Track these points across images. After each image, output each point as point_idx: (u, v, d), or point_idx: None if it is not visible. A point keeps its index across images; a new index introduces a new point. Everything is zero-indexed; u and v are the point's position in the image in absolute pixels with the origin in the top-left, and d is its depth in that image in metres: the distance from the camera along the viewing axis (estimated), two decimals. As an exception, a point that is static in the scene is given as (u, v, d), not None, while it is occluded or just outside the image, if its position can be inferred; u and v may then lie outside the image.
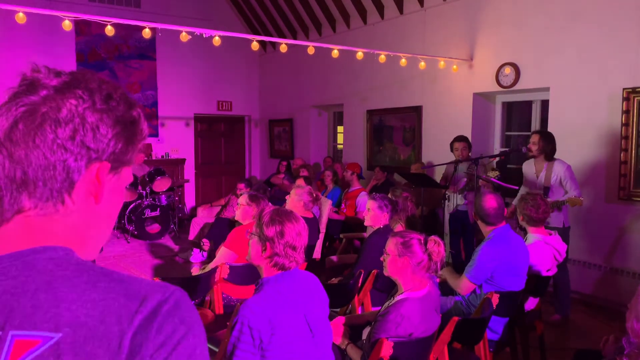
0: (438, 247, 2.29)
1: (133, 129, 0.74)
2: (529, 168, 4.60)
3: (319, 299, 2.00)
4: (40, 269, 0.64)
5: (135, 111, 0.75)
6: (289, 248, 1.91)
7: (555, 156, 4.45)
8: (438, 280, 3.25)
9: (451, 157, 5.50)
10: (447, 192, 5.10)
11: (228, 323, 2.79)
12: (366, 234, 4.83)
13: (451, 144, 5.49)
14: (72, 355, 0.59)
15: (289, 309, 1.84)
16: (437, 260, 2.29)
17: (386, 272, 2.39)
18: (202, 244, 4.49)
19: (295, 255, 1.93)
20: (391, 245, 2.34)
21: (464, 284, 3.05)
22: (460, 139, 5.41)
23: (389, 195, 3.85)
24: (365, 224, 3.73)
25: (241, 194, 3.84)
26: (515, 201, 4.10)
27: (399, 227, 3.74)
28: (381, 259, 2.41)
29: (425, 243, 2.30)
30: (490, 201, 3.05)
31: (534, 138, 4.42)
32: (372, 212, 3.57)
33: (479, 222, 3.16)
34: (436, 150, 6.48)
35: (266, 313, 1.77)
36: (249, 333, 1.75)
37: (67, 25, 4.12)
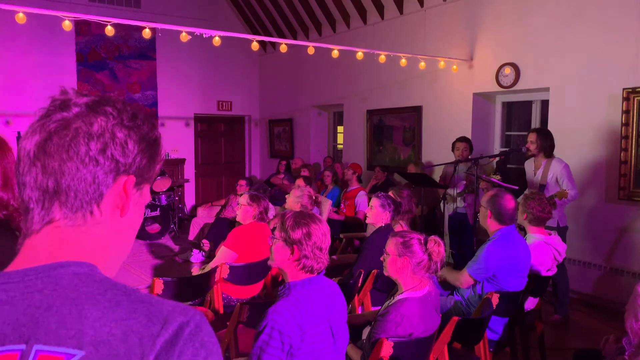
0: (438, 247, 2.29)
1: (155, 148, 0.77)
2: (528, 166, 4.61)
3: (340, 305, 2.01)
4: (65, 284, 0.66)
5: (157, 132, 0.78)
6: (316, 249, 1.91)
7: (556, 156, 4.45)
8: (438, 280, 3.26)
9: (451, 157, 5.50)
10: (447, 192, 5.10)
11: (228, 323, 2.80)
12: (366, 234, 4.83)
13: (453, 144, 5.49)
14: None
15: (317, 315, 1.85)
16: (437, 260, 2.29)
17: (386, 272, 2.39)
18: (202, 244, 4.49)
19: (322, 256, 1.94)
20: (391, 245, 2.34)
21: (464, 278, 3.05)
22: (463, 139, 5.42)
23: (391, 194, 3.85)
24: (367, 221, 3.74)
25: (242, 194, 3.84)
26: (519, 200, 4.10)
27: (398, 227, 3.74)
28: (381, 258, 2.41)
29: (426, 243, 2.30)
30: (510, 202, 3.06)
31: (532, 137, 4.43)
32: (374, 210, 3.58)
33: (491, 220, 3.11)
34: (436, 150, 6.48)
35: (296, 318, 1.77)
36: (278, 338, 1.74)
37: (67, 25, 4.12)
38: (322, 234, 1.94)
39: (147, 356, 0.62)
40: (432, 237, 2.32)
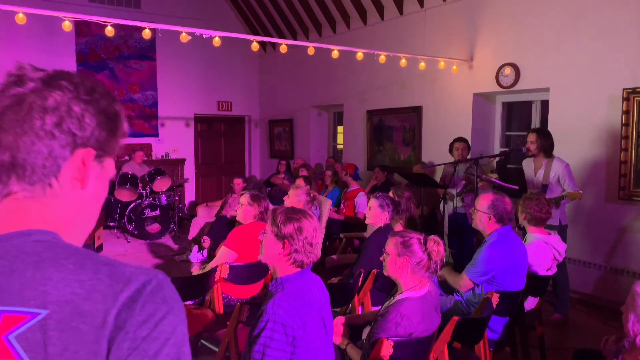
0: (438, 247, 2.29)
1: (115, 122, 0.78)
2: (527, 166, 4.61)
3: (326, 296, 2.05)
4: (29, 250, 0.67)
5: (117, 105, 0.79)
6: (307, 244, 1.94)
7: (556, 155, 4.45)
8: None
9: (450, 157, 5.50)
10: (446, 192, 5.10)
11: (228, 323, 2.80)
12: (366, 234, 4.84)
13: (451, 145, 5.50)
14: (58, 331, 0.62)
15: (312, 305, 1.89)
16: (437, 259, 2.29)
17: (386, 272, 2.39)
18: (202, 241, 4.48)
19: (313, 251, 1.97)
20: (391, 245, 2.34)
21: (464, 282, 3.05)
22: (460, 139, 5.43)
23: (391, 195, 3.86)
24: (366, 222, 3.76)
25: (242, 194, 3.84)
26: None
27: (398, 226, 3.75)
28: (381, 258, 2.41)
29: (425, 242, 2.31)
30: (509, 203, 3.07)
31: (531, 137, 4.43)
32: (373, 211, 3.60)
33: (490, 222, 3.08)
34: (436, 150, 6.48)
35: (297, 310, 1.80)
36: (282, 331, 1.76)
37: (67, 25, 4.12)
38: (313, 229, 1.97)
39: (110, 311, 0.64)
40: (432, 236, 2.33)
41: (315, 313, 1.89)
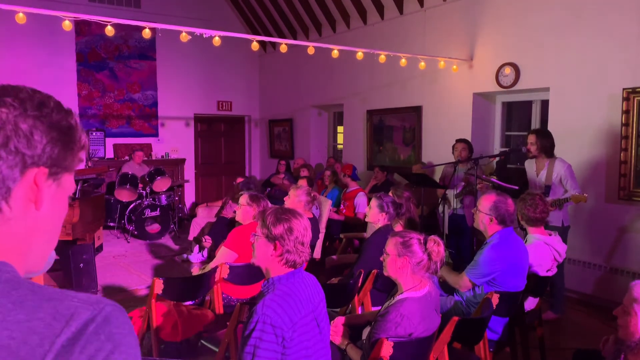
0: (438, 247, 2.29)
1: (70, 136, 0.73)
2: (529, 167, 4.60)
3: (320, 296, 2.05)
4: None
5: (72, 119, 0.74)
6: (298, 244, 1.94)
7: (557, 156, 4.44)
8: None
9: (451, 157, 5.50)
10: (446, 192, 5.10)
11: (228, 323, 2.80)
12: (366, 234, 4.83)
13: (453, 145, 5.50)
14: None
15: (303, 306, 1.89)
16: (437, 259, 2.29)
17: (386, 272, 2.39)
18: (204, 240, 4.48)
19: (304, 250, 1.96)
20: (391, 245, 2.34)
21: (463, 282, 3.05)
22: (461, 140, 5.42)
23: (390, 194, 3.86)
24: (366, 220, 3.78)
25: (241, 194, 3.84)
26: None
27: (398, 226, 3.75)
28: (381, 259, 2.41)
29: (425, 243, 2.31)
30: (512, 205, 3.06)
31: (531, 138, 4.43)
32: (372, 210, 3.65)
33: (491, 225, 3.07)
34: (436, 150, 6.48)
35: (287, 311, 1.80)
36: (271, 331, 1.76)
37: (67, 25, 4.12)
38: (303, 229, 1.97)
39: (46, 357, 0.59)
40: (432, 236, 2.32)
41: (308, 313, 1.89)
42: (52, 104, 0.72)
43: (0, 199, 0.68)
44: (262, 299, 1.84)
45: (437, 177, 6.21)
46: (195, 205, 8.99)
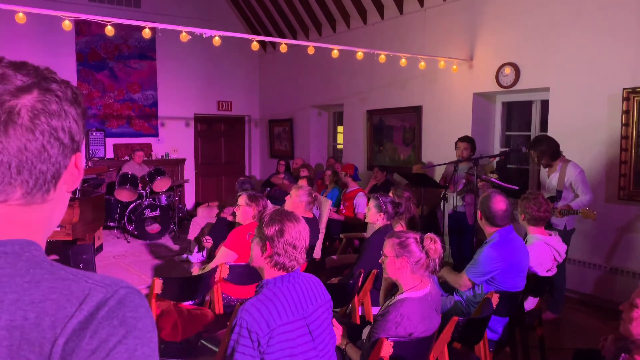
0: (435, 244, 2.29)
1: (84, 120, 0.77)
2: (543, 169, 4.58)
3: (321, 302, 1.99)
4: None
5: (84, 102, 0.77)
6: (289, 246, 1.90)
7: (571, 160, 4.39)
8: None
9: (451, 157, 5.49)
10: (446, 192, 5.10)
11: (228, 323, 2.79)
12: (366, 234, 4.83)
13: (455, 143, 5.49)
14: (9, 357, 0.58)
15: (289, 312, 1.84)
16: (435, 257, 2.29)
17: (386, 274, 2.39)
18: (204, 240, 4.48)
19: (296, 254, 1.92)
20: (388, 246, 2.34)
21: (463, 281, 3.06)
22: (464, 139, 5.40)
23: (390, 194, 3.87)
24: (366, 220, 3.80)
25: (239, 195, 3.84)
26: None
27: (398, 227, 3.75)
28: (379, 261, 2.41)
29: (422, 241, 2.31)
30: (499, 203, 3.03)
31: (530, 154, 4.49)
32: (370, 210, 3.67)
33: (483, 222, 3.12)
34: (436, 150, 6.48)
35: (264, 316, 1.78)
36: (247, 335, 1.76)
37: (67, 25, 4.12)
38: (296, 232, 1.93)
39: (57, 341, 0.59)
40: (428, 234, 2.32)
41: (295, 320, 1.85)
42: (77, 90, 0.75)
43: (52, 181, 0.70)
44: (246, 301, 1.85)
45: (437, 176, 6.21)
46: (197, 204, 8.98)
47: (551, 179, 4.39)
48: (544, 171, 4.54)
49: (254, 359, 1.77)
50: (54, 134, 0.68)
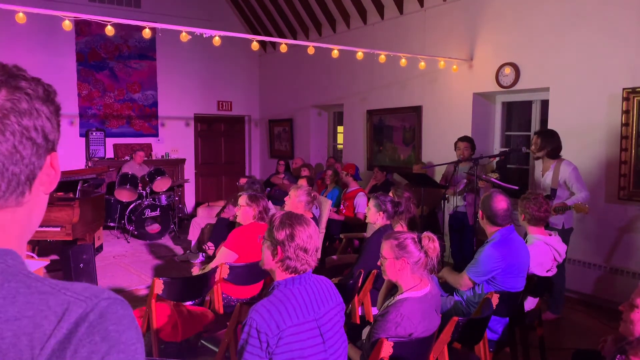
0: (433, 243, 2.29)
1: (59, 118, 0.73)
2: (537, 167, 4.59)
3: (333, 304, 2.00)
4: None
5: (57, 100, 0.74)
6: (300, 250, 1.91)
7: (564, 158, 4.41)
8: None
9: (451, 157, 5.49)
10: (446, 193, 5.10)
11: (228, 323, 2.80)
12: (366, 234, 4.83)
13: (455, 143, 5.49)
14: None
15: (299, 313, 1.85)
16: (434, 256, 2.29)
17: (385, 276, 2.39)
18: (207, 247, 4.48)
19: (307, 258, 1.93)
20: (386, 248, 2.34)
21: (464, 281, 3.06)
22: (464, 139, 5.41)
23: (390, 194, 3.87)
24: (366, 220, 3.81)
25: (240, 194, 3.84)
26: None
27: (398, 227, 3.75)
28: (378, 263, 2.41)
29: (420, 241, 2.31)
30: (500, 202, 3.04)
31: (534, 139, 4.45)
32: (370, 210, 3.69)
33: (484, 222, 3.13)
34: (436, 150, 6.48)
35: (274, 317, 1.79)
36: (256, 336, 1.77)
37: (67, 25, 4.12)
38: (307, 236, 1.94)
39: None
40: (425, 233, 2.32)
41: (306, 321, 1.86)
42: (48, 87, 0.71)
43: (27, 183, 0.67)
44: (257, 301, 1.87)
45: (437, 176, 6.21)
46: (198, 205, 8.98)
47: (545, 177, 4.41)
48: (538, 170, 4.55)
49: (261, 358, 1.78)
50: (25, 133, 0.65)
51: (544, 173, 4.43)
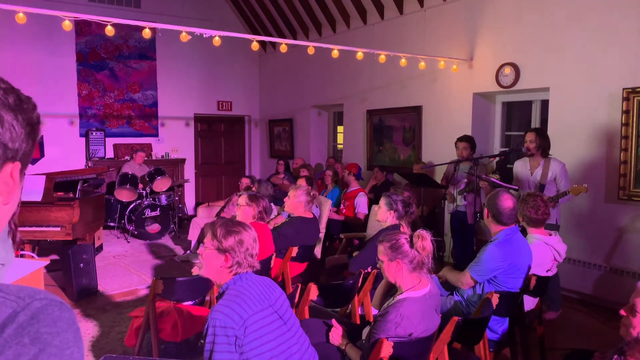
0: (423, 242, 2.29)
1: (36, 132, 0.71)
2: (522, 166, 4.62)
3: (278, 291, 2.12)
4: None
5: (37, 113, 0.72)
6: (248, 256, 2.02)
7: (556, 155, 4.49)
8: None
9: (451, 157, 5.49)
10: (446, 192, 5.10)
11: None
12: (366, 234, 4.83)
13: (455, 143, 5.50)
14: None
15: (257, 302, 1.95)
16: (424, 254, 2.29)
17: (386, 279, 2.39)
18: None
19: (253, 262, 2.05)
20: (381, 251, 2.35)
21: (465, 279, 3.05)
22: (463, 139, 5.40)
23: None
24: (376, 219, 3.79)
25: (240, 195, 3.84)
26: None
27: (402, 227, 3.74)
28: (377, 266, 2.42)
29: (412, 239, 2.31)
30: (507, 201, 3.05)
31: (530, 136, 4.46)
32: (380, 208, 3.64)
33: (489, 220, 3.12)
34: (436, 150, 6.48)
35: (235, 310, 1.86)
36: (222, 333, 1.82)
37: (67, 25, 4.11)
38: (252, 240, 2.05)
39: None
40: (417, 232, 2.32)
41: (264, 309, 1.96)
42: (24, 97, 0.69)
43: None
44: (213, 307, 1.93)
45: (437, 176, 6.21)
46: (198, 205, 8.98)
47: (535, 174, 4.47)
48: (524, 168, 4.56)
49: (232, 354, 1.83)
50: None
51: (533, 171, 4.48)
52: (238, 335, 1.83)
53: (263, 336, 1.91)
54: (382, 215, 3.62)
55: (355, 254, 3.89)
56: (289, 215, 4.44)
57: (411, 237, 2.32)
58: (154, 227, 7.30)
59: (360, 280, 3.22)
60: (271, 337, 1.94)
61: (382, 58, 5.67)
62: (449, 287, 3.30)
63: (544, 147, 4.43)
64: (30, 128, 0.68)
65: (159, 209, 7.30)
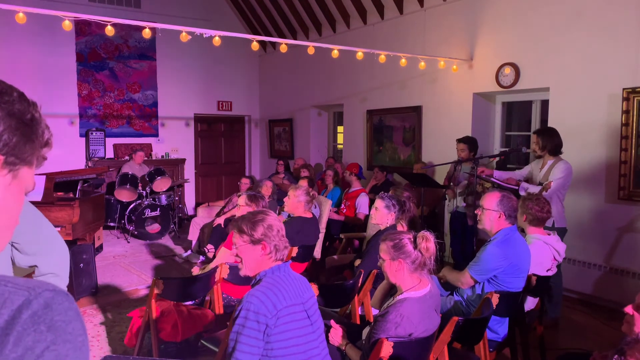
0: (427, 243, 2.29)
1: (31, 127, 0.69)
2: (535, 166, 4.58)
3: (310, 293, 2.12)
4: None
5: (36, 111, 0.70)
6: (281, 236, 2.06)
7: (562, 158, 4.40)
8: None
9: (451, 157, 5.49)
10: (446, 192, 5.10)
11: (228, 323, 2.79)
12: (366, 234, 4.83)
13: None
14: None
15: (291, 295, 1.96)
16: (427, 256, 2.29)
17: (387, 279, 2.39)
18: (207, 250, 4.47)
19: (287, 241, 2.09)
20: (383, 250, 2.34)
21: (465, 279, 3.05)
22: (461, 140, 5.39)
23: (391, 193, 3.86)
24: (372, 222, 3.76)
25: (239, 195, 3.84)
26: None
27: (399, 227, 3.74)
28: (378, 264, 2.41)
29: (415, 240, 2.31)
30: (515, 200, 3.08)
31: (532, 138, 4.46)
32: (379, 211, 3.60)
33: (498, 221, 3.08)
34: (436, 150, 6.48)
35: (271, 299, 1.87)
36: (254, 319, 1.83)
37: (67, 25, 4.11)
38: (277, 221, 2.11)
39: None
40: (421, 233, 2.32)
41: (296, 304, 1.97)
42: (14, 94, 0.68)
43: None
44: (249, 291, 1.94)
45: (437, 176, 6.21)
46: (198, 205, 8.98)
47: (540, 173, 4.41)
48: (536, 168, 4.51)
49: (258, 341, 1.84)
50: None
51: (542, 168, 4.44)
52: (269, 324, 1.85)
53: (290, 331, 1.91)
54: (382, 217, 3.58)
55: (356, 262, 3.85)
56: (289, 215, 4.44)
57: (415, 237, 2.31)
58: (154, 227, 7.30)
59: (361, 280, 3.22)
60: (297, 334, 1.94)
61: (382, 58, 5.67)
62: (449, 287, 3.30)
63: (549, 146, 4.32)
64: (17, 121, 0.67)
65: (159, 209, 7.30)
